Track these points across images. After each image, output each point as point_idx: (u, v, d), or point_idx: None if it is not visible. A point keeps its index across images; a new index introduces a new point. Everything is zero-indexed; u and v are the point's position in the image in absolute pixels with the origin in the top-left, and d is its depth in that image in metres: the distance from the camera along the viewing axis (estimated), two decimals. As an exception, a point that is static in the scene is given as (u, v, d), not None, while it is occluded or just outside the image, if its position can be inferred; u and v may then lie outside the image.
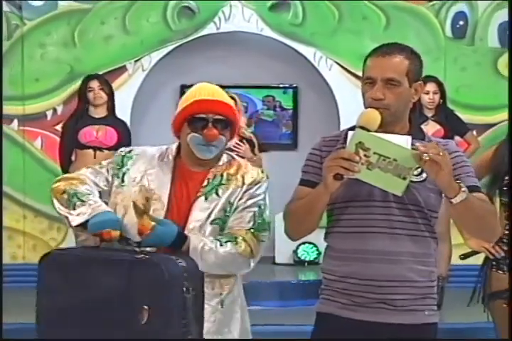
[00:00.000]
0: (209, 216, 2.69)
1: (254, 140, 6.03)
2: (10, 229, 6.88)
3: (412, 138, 2.42)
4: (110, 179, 2.76)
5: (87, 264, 2.53)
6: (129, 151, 2.81)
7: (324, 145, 2.63)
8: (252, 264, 2.72)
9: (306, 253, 7.05)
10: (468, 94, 6.92)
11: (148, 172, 2.74)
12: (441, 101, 6.10)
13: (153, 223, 2.52)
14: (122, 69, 6.97)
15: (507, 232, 3.40)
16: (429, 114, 6.07)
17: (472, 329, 5.11)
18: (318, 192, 2.44)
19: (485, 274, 3.48)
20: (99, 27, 6.97)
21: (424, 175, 2.49)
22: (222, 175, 2.74)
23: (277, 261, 7.26)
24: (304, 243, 6.96)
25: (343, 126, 2.84)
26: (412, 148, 2.35)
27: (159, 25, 6.99)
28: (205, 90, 2.77)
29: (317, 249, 6.91)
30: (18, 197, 6.87)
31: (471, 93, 6.92)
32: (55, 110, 6.93)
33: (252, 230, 2.70)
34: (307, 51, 7.02)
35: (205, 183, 2.72)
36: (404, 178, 2.33)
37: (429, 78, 6.13)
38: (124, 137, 6.08)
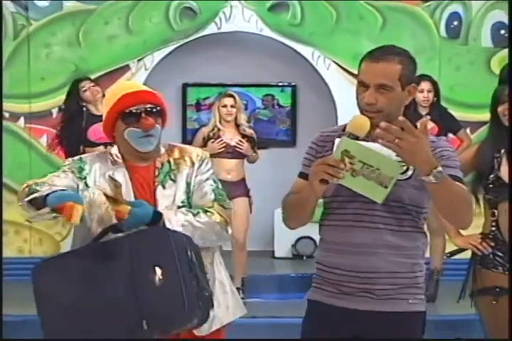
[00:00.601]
0: (174, 201, 2.73)
1: (255, 137, 6.04)
2: (16, 223, 6.88)
3: None
4: (76, 181, 2.74)
5: (91, 251, 2.51)
6: (80, 158, 2.81)
7: (321, 140, 2.69)
8: (230, 232, 2.79)
9: (305, 247, 7.05)
10: (463, 93, 6.91)
11: (107, 175, 2.74)
12: (435, 99, 6.09)
13: (128, 207, 2.52)
14: (125, 68, 6.96)
15: (494, 229, 3.39)
16: (424, 111, 6.07)
17: (466, 321, 5.10)
18: (308, 192, 2.50)
19: (473, 271, 3.47)
20: (103, 27, 6.96)
21: (409, 173, 2.52)
22: (169, 162, 2.78)
23: (277, 255, 7.27)
24: (302, 237, 6.96)
25: (341, 123, 2.85)
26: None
27: (162, 25, 6.98)
28: (126, 85, 2.82)
29: (315, 244, 6.91)
30: (24, 193, 6.87)
31: (465, 91, 6.91)
32: (60, 108, 6.92)
33: (216, 201, 2.76)
34: (306, 51, 7.01)
35: (157, 173, 2.75)
36: (386, 187, 2.38)
37: (424, 77, 6.12)
38: None
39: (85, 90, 6.02)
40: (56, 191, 2.48)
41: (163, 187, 2.73)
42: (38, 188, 2.57)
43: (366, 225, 2.56)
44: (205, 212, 2.71)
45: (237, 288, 5.91)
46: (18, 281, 5.83)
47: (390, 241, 2.56)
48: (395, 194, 2.49)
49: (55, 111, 6.94)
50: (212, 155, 6.03)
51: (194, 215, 2.68)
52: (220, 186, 2.83)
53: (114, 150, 2.81)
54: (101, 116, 6.32)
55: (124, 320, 2.42)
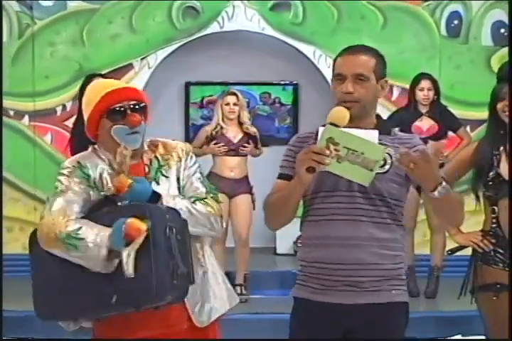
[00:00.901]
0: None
1: (257, 135, 6.06)
2: (22, 220, 6.90)
3: (379, 133, 2.56)
4: (87, 191, 2.65)
5: None
6: (79, 163, 2.70)
7: (299, 142, 2.78)
8: (224, 224, 2.81)
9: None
10: (463, 91, 6.90)
11: (108, 174, 2.68)
12: (436, 97, 6.09)
13: (130, 180, 2.52)
14: (129, 67, 6.96)
15: (494, 225, 3.39)
16: (424, 110, 6.07)
17: (466, 317, 5.10)
18: (294, 185, 2.55)
19: (474, 267, 3.46)
20: (107, 26, 6.96)
21: (386, 166, 2.61)
22: (157, 158, 2.75)
23: (278, 251, 7.27)
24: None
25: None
26: (379, 143, 2.50)
27: (165, 24, 6.98)
28: (107, 83, 2.75)
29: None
30: (29, 190, 6.89)
31: (465, 90, 6.90)
32: (64, 106, 6.93)
33: (207, 194, 2.75)
34: (307, 49, 7.00)
35: (147, 170, 2.72)
36: (371, 170, 2.46)
37: (424, 75, 6.12)
38: None
39: None
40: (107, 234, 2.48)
41: (157, 183, 2.70)
42: (81, 235, 2.49)
43: (349, 218, 2.61)
44: (201, 201, 2.70)
45: (240, 284, 5.94)
46: (23, 277, 5.85)
47: (372, 233, 2.61)
48: (374, 187, 2.57)
49: (59, 109, 6.95)
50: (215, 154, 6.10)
51: (191, 203, 2.67)
52: (205, 179, 2.83)
53: (101, 149, 2.75)
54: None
55: (99, 292, 2.47)
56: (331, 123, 2.47)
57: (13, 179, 6.90)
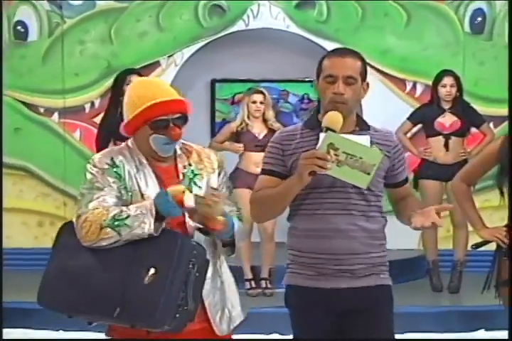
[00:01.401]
0: None
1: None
2: (51, 215, 6.96)
3: (361, 130, 2.78)
4: (120, 189, 2.64)
5: None
6: (112, 160, 2.66)
7: (284, 140, 2.84)
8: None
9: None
10: (486, 88, 6.84)
11: (136, 175, 2.66)
12: (458, 94, 6.06)
13: (223, 218, 2.61)
14: (156, 64, 6.99)
15: (514, 222, 3.37)
16: (447, 106, 6.04)
17: (489, 311, 5.07)
18: (292, 184, 2.67)
19: (498, 262, 3.44)
20: (135, 24, 7.00)
21: None
22: (190, 165, 2.73)
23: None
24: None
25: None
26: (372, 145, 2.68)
27: (191, 22, 6.99)
28: (158, 90, 2.67)
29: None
30: (58, 186, 6.94)
31: (488, 86, 6.84)
32: (92, 103, 6.99)
33: (236, 207, 2.80)
34: (332, 47, 6.89)
35: (181, 177, 2.70)
36: (369, 173, 2.59)
37: (447, 72, 6.09)
38: None
39: (128, 84, 5.98)
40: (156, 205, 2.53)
41: (190, 192, 2.64)
42: (124, 213, 2.53)
43: (343, 212, 2.76)
44: (238, 218, 2.75)
45: (265, 278, 5.94)
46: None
47: (363, 225, 2.78)
48: None
49: (88, 106, 7.00)
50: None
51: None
52: (231, 194, 2.85)
53: (134, 146, 2.71)
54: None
55: (105, 301, 2.49)
56: (327, 128, 2.61)
57: (43, 175, 6.96)
